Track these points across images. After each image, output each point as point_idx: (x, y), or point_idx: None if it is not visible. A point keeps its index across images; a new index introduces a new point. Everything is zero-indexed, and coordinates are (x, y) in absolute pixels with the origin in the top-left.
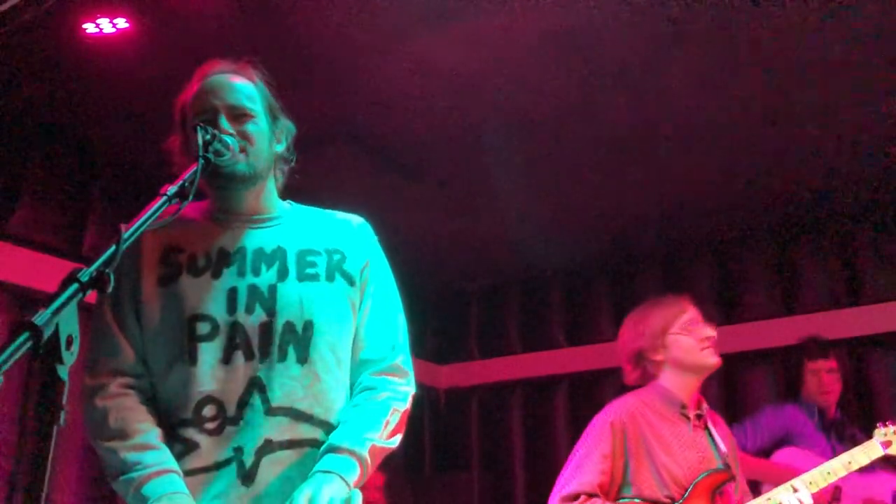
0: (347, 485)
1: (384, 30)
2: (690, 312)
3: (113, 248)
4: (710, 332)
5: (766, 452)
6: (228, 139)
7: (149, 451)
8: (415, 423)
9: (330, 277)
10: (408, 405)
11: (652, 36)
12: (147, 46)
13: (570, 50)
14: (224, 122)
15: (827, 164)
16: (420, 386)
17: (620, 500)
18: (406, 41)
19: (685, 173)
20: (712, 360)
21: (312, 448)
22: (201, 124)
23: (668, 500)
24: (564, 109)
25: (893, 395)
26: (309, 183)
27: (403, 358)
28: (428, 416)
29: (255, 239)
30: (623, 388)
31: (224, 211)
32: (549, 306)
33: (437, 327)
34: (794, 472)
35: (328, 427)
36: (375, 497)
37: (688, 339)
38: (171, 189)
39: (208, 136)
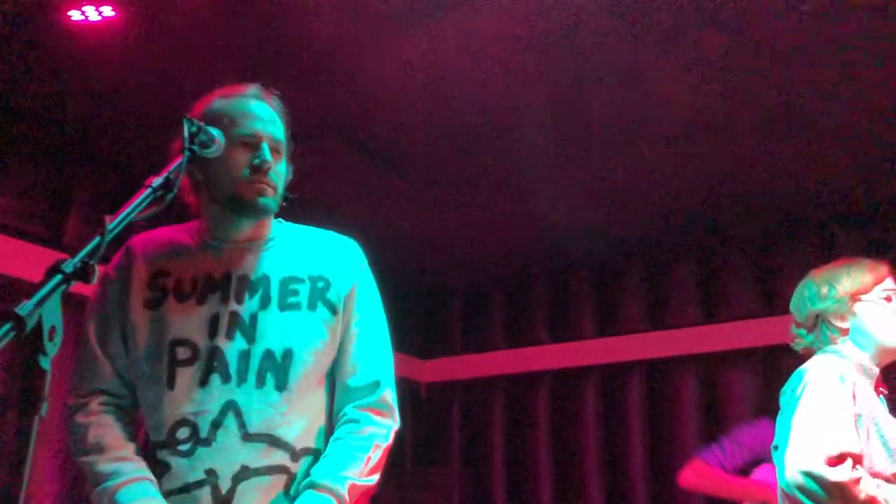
0: None
1: (373, 24)
2: (890, 282)
3: (98, 239)
4: None
5: (744, 471)
6: (262, 163)
7: (124, 462)
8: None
9: (312, 306)
10: (390, 441)
11: (642, 35)
12: (133, 35)
13: (560, 49)
14: (268, 153)
15: (813, 166)
16: (402, 380)
17: None
18: (396, 36)
19: (673, 174)
20: None
21: (287, 474)
22: (187, 116)
23: (893, 479)
24: (554, 108)
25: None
26: (295, 177)
27: (389, 392)
28: (409, 411)
29: (241, 265)
30: (605, 383)
31: (218, 237)
32: (533, 303)
33: (420, 322)
34: (775, 490)
35: (302, 453)
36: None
37: (883, 311)
38: (157, 181)
39: (194, 129)
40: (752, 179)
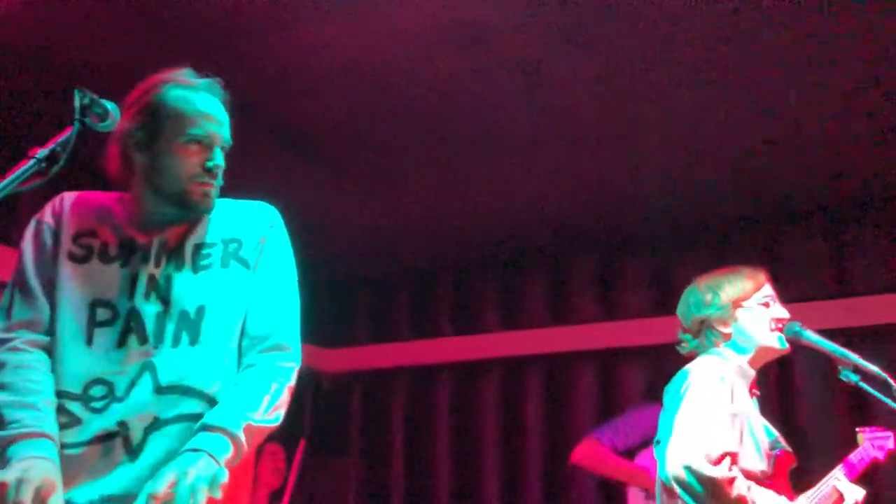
0: (217, 462)
1: (289, 7)
2: (768, 289)
3: None
4: (784, 313)
5: (631, 453)
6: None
7: (31, 410)
8: (295, 406)
9: (224, 264)
10: (291, 381)
11: (552, 34)
12: (16, 6)
13: (471, 43)
14: (220, 157)
15: (703, 171)
16: (303, 370)
17: None
18: (312, 22)
19: (574, 173)
20: (782, 345)
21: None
22: (79, 87)
23: (761, 476)
24: (469, 102)
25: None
26: None
27: (290, 335)
28: (309, 400)
29: (163, 234)
30: (506, 376)
31: (148, 214)
32: (438, 296)
33: (324, 311)
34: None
35: (215, 403)
36: (275, 480)
37: (762, 316)
38: (41, 152)
39: (86, 100)
40: (649, 183)
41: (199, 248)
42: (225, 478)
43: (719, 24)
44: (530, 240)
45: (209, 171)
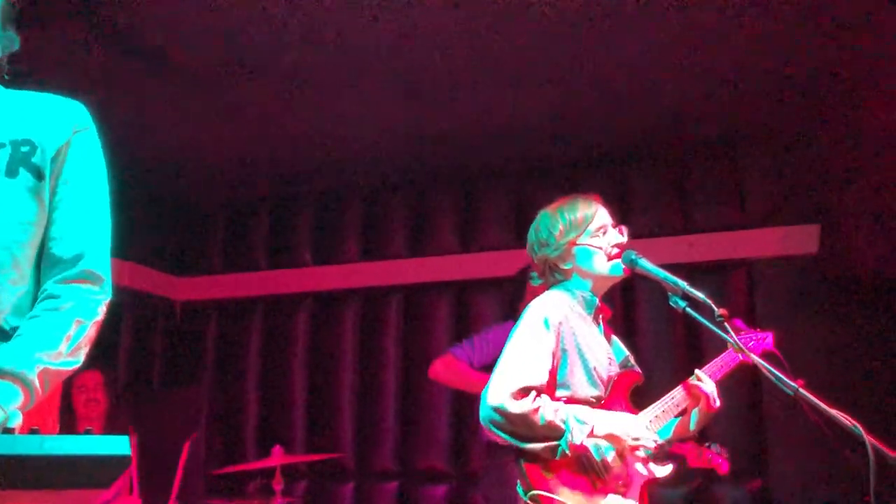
0: (4, 412)
1: None
2: (600, 217)
3: None
4: (620, 237)
5: (489, 367)
6: None
7: None
8: (145, 336)
9: (11, 172)
10: (99, 316)
11: None
12: None
13: None
14: None
15: (546, 110)
16: (155, 298)
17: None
18: None
19: (433, 106)
20: (619, 272)
21: None
22: None
23: (594, 400)
24: (334, 28)
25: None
26: (32, 63)
27: (99, 262)
28: (161, 329)
29: None
30: (365, 306)
31: None
32: (299, 225)
33: (177, 239)
34: None
35: (13, 333)
36: (95, 425)
37: (596, 250)
38: None
39: None
40: (507, 120)
41: None
42: (18, 421)
43: None
44: (392, 171)
45: None
